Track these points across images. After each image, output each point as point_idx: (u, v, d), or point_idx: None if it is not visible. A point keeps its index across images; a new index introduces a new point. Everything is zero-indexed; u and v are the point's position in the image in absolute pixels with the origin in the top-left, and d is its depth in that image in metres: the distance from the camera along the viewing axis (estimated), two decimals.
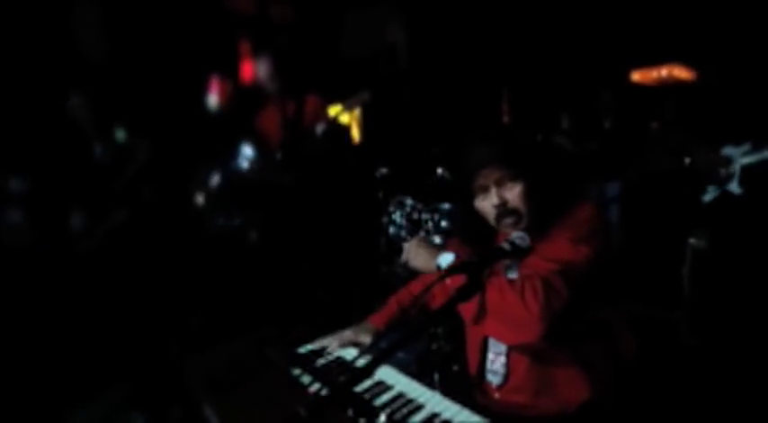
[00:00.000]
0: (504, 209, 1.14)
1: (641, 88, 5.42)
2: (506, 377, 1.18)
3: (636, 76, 5.40)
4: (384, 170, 3.50)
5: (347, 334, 1.38)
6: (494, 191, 1.15)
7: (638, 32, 4.84)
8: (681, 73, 5.20)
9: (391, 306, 1.50)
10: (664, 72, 5.22)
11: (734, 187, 2.29)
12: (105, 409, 1.99)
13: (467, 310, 1.06)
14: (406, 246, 1.24)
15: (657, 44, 4.93)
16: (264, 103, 2.99)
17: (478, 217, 1.23)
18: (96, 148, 2.50)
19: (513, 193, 1.14)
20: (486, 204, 1.17)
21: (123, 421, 1.96)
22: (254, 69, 2.93)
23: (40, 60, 2.39)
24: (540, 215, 1.17)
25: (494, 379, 1.21)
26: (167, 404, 1.81)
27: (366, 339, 1.37)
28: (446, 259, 1.13)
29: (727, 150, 2.32)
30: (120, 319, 2.43)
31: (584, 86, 4.25)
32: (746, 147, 2.25)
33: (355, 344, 1.37)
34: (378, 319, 1.45)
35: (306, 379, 1.14)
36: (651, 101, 4.75)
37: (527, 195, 1.14)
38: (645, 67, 5.35)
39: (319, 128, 2.66)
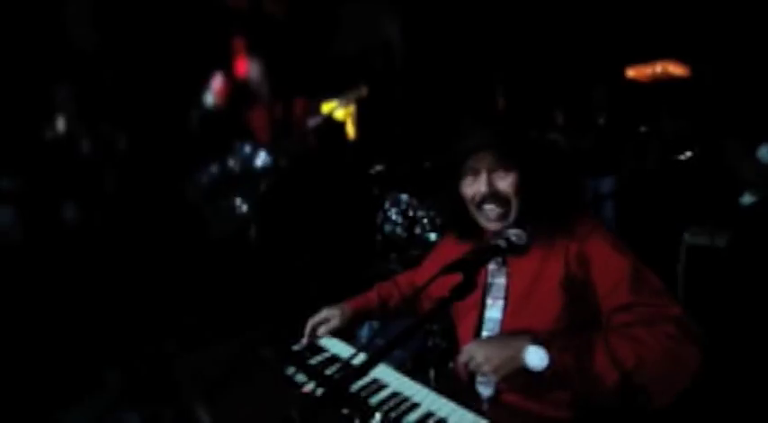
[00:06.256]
0: (490, 194, 1.06)
1: (635, 84, 5.44)
2: (496, 390, 1.10)
3: (630, 73, 5.41)
4: (379, 166, 3.49)
5: (320, 315, 1.32)
6: (484, 176, 1.07)
7: (633, 29, 4.85)
8: (675, 69, 5.21)
9: (371, 296, 1.44)
10: (658, 68, 5.22)
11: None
12: (99, 408, 1.98)
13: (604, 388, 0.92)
14: (467, 349, 0.99)
15: (652, 41, 4.94)
16: (254, 103, 2.99)
17: (458, 206, 1.14)
18: (83, 143, 2.47)
19: (506, 183, 1.06)
20: (472, 190, 1.09)
21: (116, 421, 1.94)
22: (248, 67, 2.92)
23: (30, 55, 2.35)
24: (534, 215, 1.07)
25: (484, 391, 1.14)
26: (160, 404, 1.80)
27: (335, 320, 1.31)
28: (542, 359, 0.91)
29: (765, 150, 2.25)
30: (114, 317, 2.41)
31: (579, 83, 4.24)
32: None
33: (323, 323, 1.31)
34: (353, 303, 1.39)
35: (300, 378, 1.13)
36: (645, 97, 4.76)
37: (520, 187, 1.06)
38: (639, 63, 5.36)
39: (312, 122, 2.64)
